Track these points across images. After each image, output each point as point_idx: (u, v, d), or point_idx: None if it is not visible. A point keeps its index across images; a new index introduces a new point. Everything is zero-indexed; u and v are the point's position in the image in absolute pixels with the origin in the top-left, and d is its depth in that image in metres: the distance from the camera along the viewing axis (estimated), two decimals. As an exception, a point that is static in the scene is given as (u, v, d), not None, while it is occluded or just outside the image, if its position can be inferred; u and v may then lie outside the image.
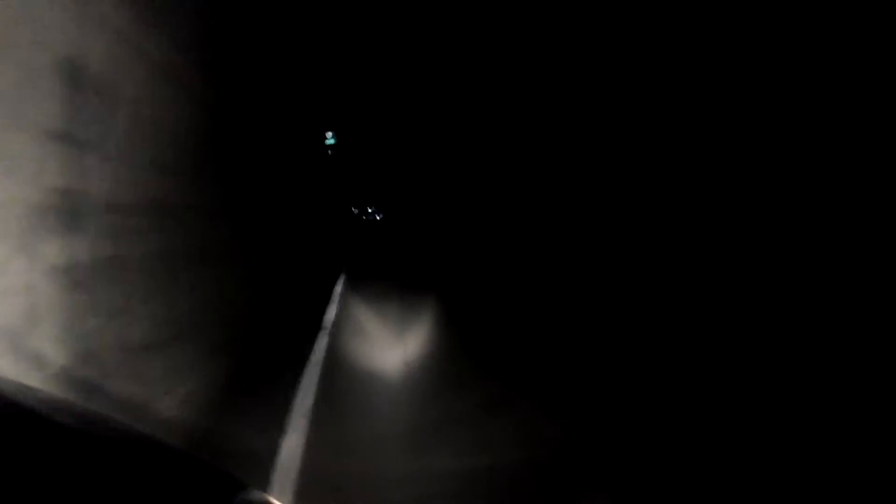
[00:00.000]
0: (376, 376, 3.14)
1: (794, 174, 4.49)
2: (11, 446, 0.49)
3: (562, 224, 9.49)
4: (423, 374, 3.22)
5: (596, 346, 3.83)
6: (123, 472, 0.52)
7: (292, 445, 2.17)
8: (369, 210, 46.80)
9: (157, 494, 0.51)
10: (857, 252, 3.78)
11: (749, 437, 2.19)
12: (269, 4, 5.19)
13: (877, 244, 3.63)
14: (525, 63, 9.98)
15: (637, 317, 4.81)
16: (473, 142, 13.91)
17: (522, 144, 10.99)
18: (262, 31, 5.01)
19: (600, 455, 2.11)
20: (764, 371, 3.07)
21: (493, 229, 12.67)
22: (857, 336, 3.29)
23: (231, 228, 3.89)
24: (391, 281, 8.14)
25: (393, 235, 23.26)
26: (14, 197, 1.47)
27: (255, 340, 3.83)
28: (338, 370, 3.26)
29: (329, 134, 15.47)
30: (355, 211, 37.19)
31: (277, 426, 2.35)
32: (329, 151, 16.72)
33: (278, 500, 0.61)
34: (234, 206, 4.01)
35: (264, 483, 1.86)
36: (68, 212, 1.71)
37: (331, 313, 5.05)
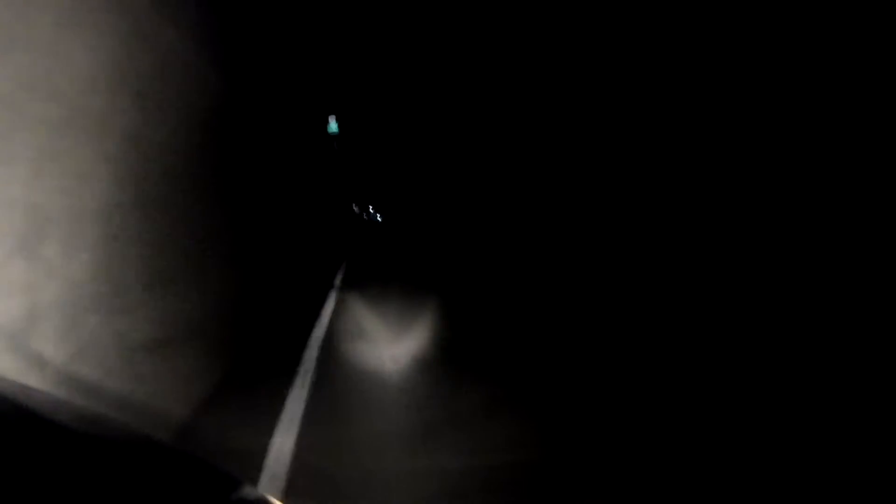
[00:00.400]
0: (375, 375, 3.14)
1: (793, 174, 4.49)
2: (11, 446, 0.49)
3: (562, 224, 9.50)
4: (423, 373, 3.22)
5: (596, 346, 3.82)
6: (123, 472, 0.53)
7: (291, 445, 2.17)
8: (370, 210, 46.66)
9: (156, 493, 0.51)
10: (857, 252, 3.78)
11: (749, 437, 2.20)
12: (276, 4, 5.20)
13: (877, 244, 3.63)
14: (525, 64, 9.98)
15: (637, 316, 4.80)
16: (474, 142, 13.91)
17: (523, 145, 10.99)
18: (268, 30, 5.02)
19: (600, 455, 2.12)
20: (763, 371, 3.07)
21: (494, 229, 12.66)
22: (857, 336, 3.29)
23: (232, 227, 3.89)
24: (390, 280, 8.13)
25: (393, 235, 23.17)
26: (14, 196, 1.47)
27: (255, 339, 3.84)
28: (337, 370, 3.27)
29: (332, 120, 14.65)
30: (356, 210, 37.08)
31: (277, 425, 2.36)
32: (333, 144, 16.16)
33: (275, 498, 0.61)
34: (235, 205, 4.01)
35: (263, 482, 1.87)
36: (68, 212, 1.72)
37: (328, 312, 5.05)
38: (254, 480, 1.90)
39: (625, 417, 2.48)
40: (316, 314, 4.96)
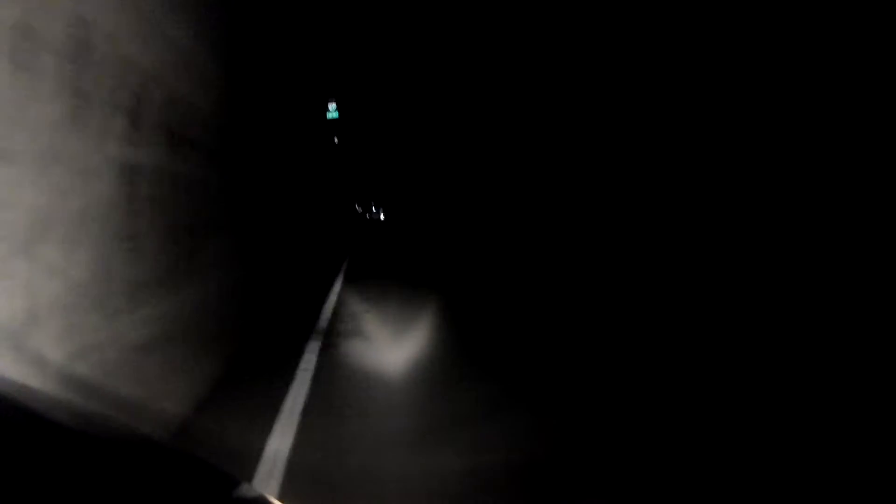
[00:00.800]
0: (375, 374, 3.15)
1: (793, 174, 4.49)
2: (11, 446, 0.49)
3: (563, 223, 9.50)
4: (424, 372, 3.22)
5: (596, 345, 3.82)
6: (121, 472, 0.53)
7: (290, 444, 2.17)
8: (373, 209, 46.46)
9: (155, 493, 0.51)
10: (858, 252, 3.78)
11: (750, 437, 2.20)
12: (281, 5, 5.20)
13: (877, 244, 3.63)
14: (526, 65, 9.98)
15: (637, 315, 4.81)
16: (475, 142, 13.90)
17: (523, 144, 10.99)
18: (270, 26, 5.02)
19: (601, 455, 2.12)
20: (763, 371, 3.07)
21: (494, 228, 12.66)
22: (857, 336, 3.29)
23: (233, 226, 3.89)
24: (391, 279, 8.13)
25: (395, 233, 23.10)
26: (14, 196, 1.47)
27: (255, 339, 3.85)
28: (336, 369, 3.27)
29: (332, 106, 13.66)
30: (359, 209, 36.93)
31: (276, 424, 2.36)
32: (334, 138, 15.65)
33: (275, 498, 0.61)
34: (237, 204, 4.02)
35: (262, 481, 1.87)
36: (69, 211, 1.72)
37: (329, 310, 5.06)
38: (251, 477, 1.90)
39: (625, 417, 2.48)
40: (320, 308, 4.99)
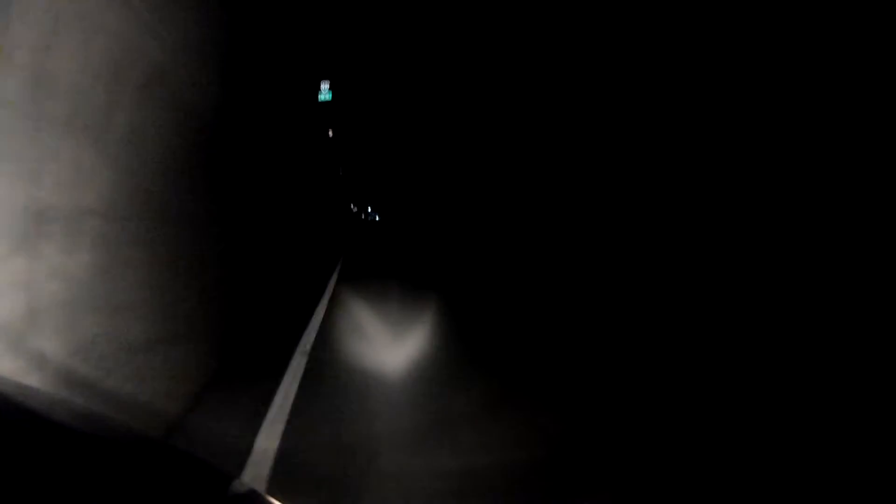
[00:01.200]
0: (374, 374, 3.15)
1: (793, 174, 4.49)
2: (11, 446, 0.50)
3: (564, 222, 9.48)
4: (423, 371, 3.22)
5: (597, 345, 3.82)
6: (119, 470, 0.53)
7: (289, 443, 2.18)
8: (368, 210, 46.13)
9: (153, 491, 0.52)
10: (857, 252, 3.78)
11: (751, 437, 2.20)
12: (274, 7, 5.16)
13: (877, 244, 3.63)
14: (526, 66, 9.94)
15: (638, 315, 4.81)
16: (475, 141, 13.83)
17: (525, 143, 10.95)
18: (267, 28, 4.99)
19: (601, 454, 2.12)
20: (763, 370, 3.07)
21: (495, 227, 12.63)
22: (857, 336, 3.29)
23: (232, 226, 3.89)
24: (390, 277, 8.11)
25: (393, 232, 22.96)
26: (14, 194, 1.48)
27: (254, 339, 3.85)
28: (337, 369, 3.27)
29: (324, 87, 11.96)
30: (354, 209, 36.63)
31: (276, 424, 2.37)
32: (329, 133, 14.54)
33: (274, 497, 0.62)
34: (236, 204, 4.02)
35: (260, 481, 1.88)
36: (69, 210, 1.72)
37: (323, 312, 5.05)
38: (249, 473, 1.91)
39: (626, 416, 2.49)
40: (315, 308, 4.97)
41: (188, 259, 2.89)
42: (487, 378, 3.12)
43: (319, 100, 11.61)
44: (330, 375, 3.11)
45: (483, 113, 12.49)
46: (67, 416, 0.65)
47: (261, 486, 1.81)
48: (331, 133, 15.26)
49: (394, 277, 8.01)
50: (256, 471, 1.94)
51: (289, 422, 2.39)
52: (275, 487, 1.78)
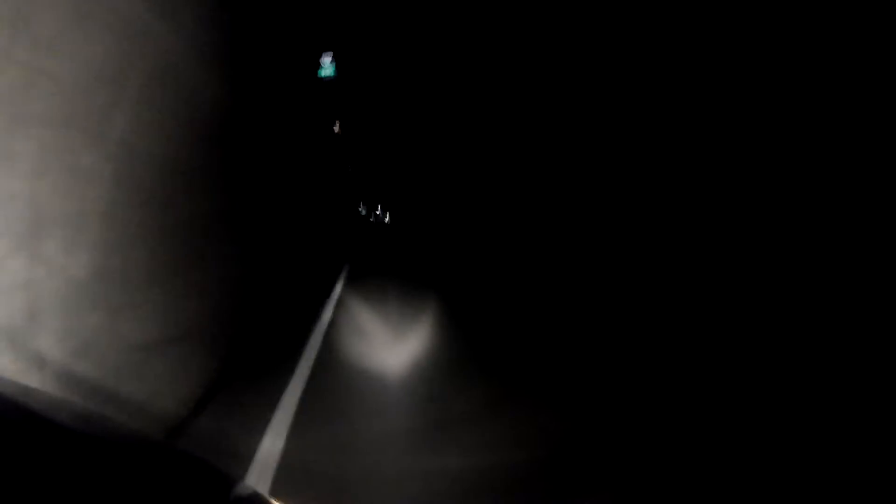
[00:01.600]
0: (375, 373, 3.14)
1: (793, 174, 4.49)
2: (11, 446, 0.50)
3: (565, 220, 9.46)
4: (424, 371, 3.22)
5: (598, 344, 3.82)
6: (122, 471, 0.53)
7: (289, 443, 2.17)
8: (376, 212, 45.75)
9: (154, 491, 0.52)
10: (857, 252, 3.78)
11: (751, 437, 2.19)
12: (281, 5, 5.14)
13: (877, 244, 3.62)
14: (527, 66, 9.92)
15: (639, 314, 4.81)
16: (478, 141, 13.78)
17: (526, 142, 10.93)
18: (272, 27, 4.98)
19: (602, 454, 2.11)
20: (765, 370, 3.07)
21: (496, 226, 12.60)
22: (856, 336, 3.28)
23: (232, 226, 3.89)
24: (392, 277, 8.10)
25: (398, 233, 22.72)
26: (15, 193, 1.48)
27: (254, 338, 3.85)
28: (337, 368, 3.27)
29: (326, 61, 9.49)
30: (362, 211, 36.21)
31: (276, 424, 2.36)
32: (334, 128, 12.96)
33: (274, 498, 0.62)
34: (236, 204, 4.01)
35: (260, 481, 1.87)
36: (69, 210, 1.72)
37: (329, 310, 5.04)
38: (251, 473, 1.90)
39: (627, 416, 2.48)
40: (320, 308, 4.95)
41: (188, 259, 2.88)
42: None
43: (321, 75, 9.44)
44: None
45: (504, 107, 12.23)
46: (67, 416, 0.65)
47: (264, 489, 1.81)
48: (337, 128, 13.94)
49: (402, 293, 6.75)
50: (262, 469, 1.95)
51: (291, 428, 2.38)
52: None
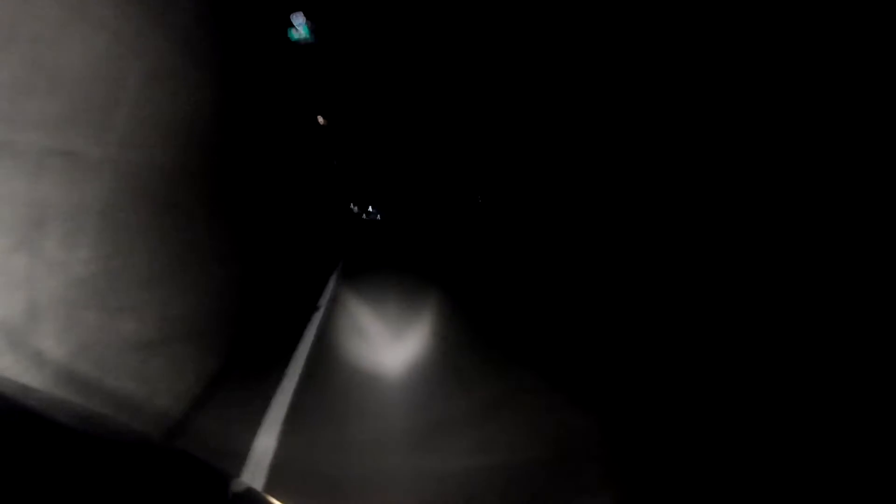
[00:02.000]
0: (375, 373, 3.13)
1: (793, 174, 4.48)
2: (11, 446, 0.50)
3: (569, 218, 9.44)
4: (424, 371, 3.21)
5: (600, 344, 3.81)
6: (122, 471, 0.53)
7: (289, 443, 2.18)
8: (370, 209, 45.12)
9: (155, 492, 0.52)
10: (857, 252, 3.77)
11: (753, 437, 2.19)
12: (269, 6, 5.12)
13: (877, 244, 3.62)
14: (527, 66, 9.88)
15: (643, 314, 4.79)
16: (481, 134, 13.66)
17: (530, 137, 10.88)
18: (262, 29, 4.97)
19: (604, 454, 2.11)
20: (770, 370, 3.06)
21: (497, 224, 12.57)
22: (857, 335, 3.28)
23: (229, 225, 3.89)
24: (391, 273, 8.05)
25: (396, 228, 22.20)
26: (15, 192, 1.47)
27: (253, 337, 3.84)
28: (337, 368, 3.26)
29: (298, 21, 7.40)
30: (355, 209, 35.68)
31: (275, 425, 2.36)
32: (319, 119, 11.79)
33: (275, 497, 0.63)
34: (233, 203, 4.01)
35: (261, 482, 1.87)
36: (70, 208, 1.72)
37: (324, 309, 5.01)
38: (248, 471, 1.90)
39: (630, 416, 2.47)
40: (315, 307, 4.92)
41: (189, 257, 2.88)
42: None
43: (292, 38, 7.67)
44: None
45: (486, 111, 12.21)
46: (67, 416, 0.65)
47: (259, 485, 1.81)
48: (322, 120, 12.75)
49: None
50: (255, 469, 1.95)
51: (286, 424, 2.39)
52: None
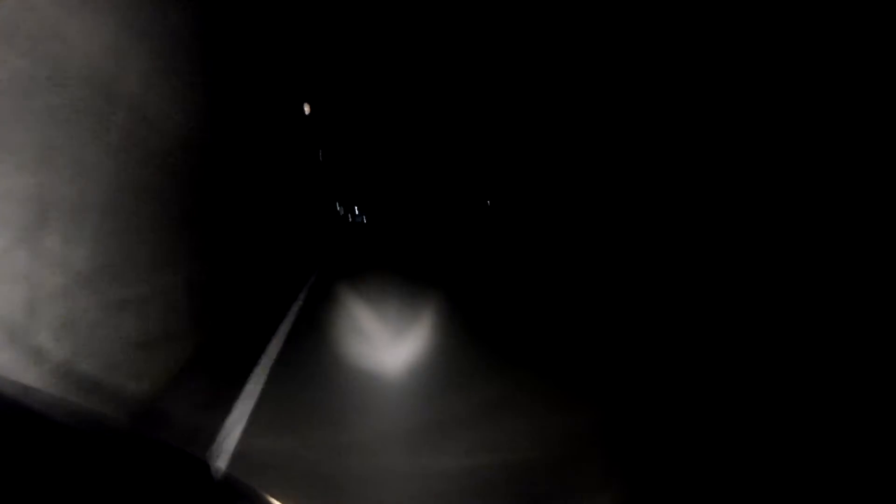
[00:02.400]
0: (375, 373, 3.12)
1: (793, 174, 4.54)
2: (11, 446, 0.49)
3: (568, 218, 9.49)
4: (423, 370, 3.20)
5: (600, 344, 3.81)
6: (122, 471, 0.53)
7: (289, 443, 2.16)
8: (355, 210, 44.40)
9: (155, 492, 0.52)
10: (857, 252, 3.82)
11: (754, 437, 2.21)
12: (262, 9, 5.08)
13: (877, 244, 3.66)
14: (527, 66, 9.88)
15: (643, 314, 4.80)
16: (479, 135, 13.65)
17: (529, 138, 10.91)
18: (254, 32, 4.92)
19: (604, 454, 2.12)
20: (770, 370, 3.08)
21: (496, 224, 12.58)
22: (857, 335, 3.32)
23: (228, 225, 3.86)
24: (387, 273, 8.01)
25: (392, 227, 21.66)
26: (17, 187, 1.45)
27: (254, 337, 3.80)
28: (337, 368, 3.24)
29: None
30: (340, 210, 34.97)
31: (275, 425, 2.35)
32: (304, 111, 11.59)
33: (276, 499, 0.63)
34: (232, 203, 3.98)
35: (263, 483, 1.86)
36: (71, 204, 1.70)
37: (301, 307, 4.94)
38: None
39: (630, 416, 2.48)
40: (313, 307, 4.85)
41: (189, 256, 2.86)
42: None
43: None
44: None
45: (483, 113, 12.20)
46: (67, 416, 0.65)
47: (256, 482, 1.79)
48: (308, 109, 12.30)
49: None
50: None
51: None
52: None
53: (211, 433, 2.17)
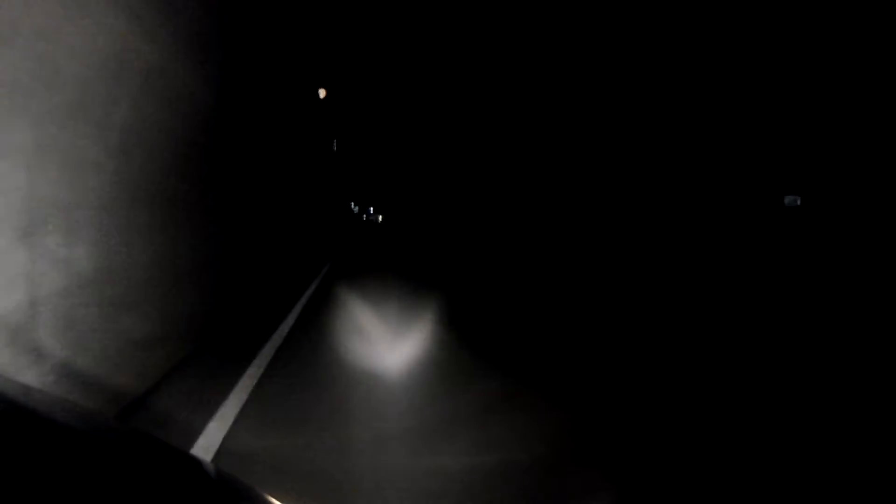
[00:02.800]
0: (374, 373, 3.12)
1: (793, 174, 4.50)
2: (11, 446, 0.50)
3: (566, 219, 9.48)
4: (423, 370, 3.21)
5: (600, 344, 3.81)
6: (121, 471, 0.53)
7: (289, 443, 2.17)
8: (370, 210, 44.80)
9: (155, 492, 0.52)
10: (857, 252, 3.79)
11: (755, 437, 2.20)
12: (269, 6, 5.12)
13: (877, 244, 3.63)
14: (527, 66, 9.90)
15: (643, 313, 4.80)
16: (479, 139, 13.72)
17: (527, 141, 10.92)
18: (261, 28, 4.96)
19: (604, 454, 2.11)
20: (767, 369, 3.07)
21: (497, 224, 12.60)
22: (857, 334, 3.29)
23: (227, 225, 3.88)
24: (387, 273, 8.03)
25: (396, 238, 22.07)
26: (17, 186, 1.47)
27: (253, 337, 3.83)
28: (336, 368, 3.25)
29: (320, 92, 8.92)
30: (355, 209, 35.35)
31: (275, 424, 2.36)
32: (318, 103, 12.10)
33: (277, 499, 0.62)
34: (231, 203, 4.00)
35: (265, 485, 1.86)
36: (71, 203, 1.71)
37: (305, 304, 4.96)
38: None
39: (629, 416, 2.47)
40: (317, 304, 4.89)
41: (189, 256, 2.87)
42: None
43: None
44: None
45: (484, 116, 12.26)
46: (67, 416, 0.65)
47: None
48: (323, 93, 12.57)
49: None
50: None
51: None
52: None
53: (210, 432, 2.18)
